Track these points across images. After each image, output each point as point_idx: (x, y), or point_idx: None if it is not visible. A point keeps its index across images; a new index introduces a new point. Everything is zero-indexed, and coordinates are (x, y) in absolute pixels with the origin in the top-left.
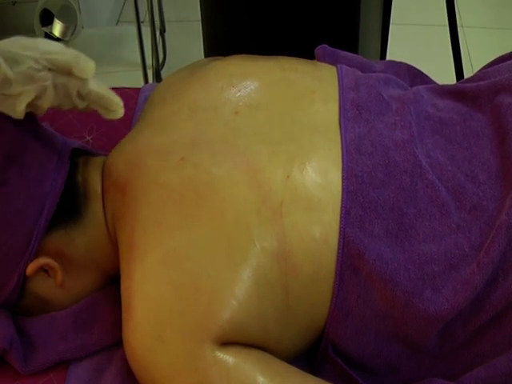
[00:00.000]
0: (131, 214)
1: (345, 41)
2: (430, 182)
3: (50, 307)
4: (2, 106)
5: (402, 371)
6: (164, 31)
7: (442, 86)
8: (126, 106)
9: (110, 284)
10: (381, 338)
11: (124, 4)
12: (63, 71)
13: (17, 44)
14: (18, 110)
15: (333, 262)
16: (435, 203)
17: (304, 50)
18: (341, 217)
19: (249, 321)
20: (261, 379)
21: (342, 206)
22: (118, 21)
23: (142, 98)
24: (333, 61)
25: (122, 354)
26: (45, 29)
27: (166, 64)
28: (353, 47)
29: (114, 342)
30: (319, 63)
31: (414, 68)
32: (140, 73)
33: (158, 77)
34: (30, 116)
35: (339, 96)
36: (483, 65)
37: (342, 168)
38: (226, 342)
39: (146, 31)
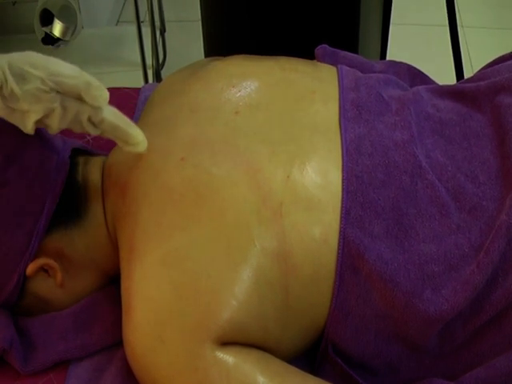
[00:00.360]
0: (131, 214)
1: (345, 41)
2: (430, 183)
3: (50, 307)
4: (11, 118)
5: (402, 371)
6: (164, 31)
7: (442, 87)
8: (126, 106)
9: (110, 284)
10: (381, 338)
11: (124, 4)
12: (71, 95)
13: (27, 60)
14: (28, 126)
15: (333, 262)
16: (435, 203)
17: (304, 50)
18: (341, 217)
19: (249, 321)
20: (261, 379)
21: (342, 206)
22: (117, 21)
23: (142, 98)
24: (333, 61)
25: (122, 353)
26: (45, 29)
27: (166, 64)
28: (353, 47)
29: (114, 342)
30: (319, 63)
31: (414, 68)
32: (140, 73)
33: (158, 77)
34: None
35: (339, 96)
36: (483, 65)
37: (342, 168)
38: (225, 342)
39: (146, 31)
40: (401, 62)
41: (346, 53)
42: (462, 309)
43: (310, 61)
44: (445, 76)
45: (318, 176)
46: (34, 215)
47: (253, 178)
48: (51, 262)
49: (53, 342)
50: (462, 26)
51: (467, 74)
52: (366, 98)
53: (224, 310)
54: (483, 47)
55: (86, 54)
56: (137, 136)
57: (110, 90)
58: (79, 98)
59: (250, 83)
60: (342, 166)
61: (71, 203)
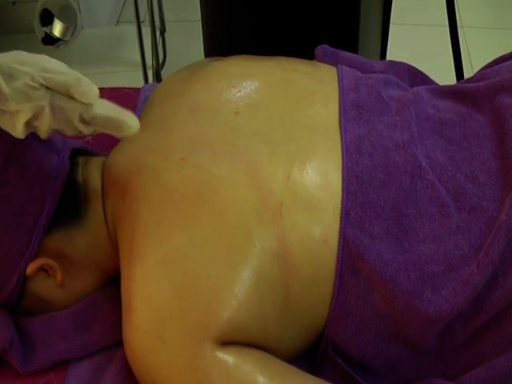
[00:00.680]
0: (131, 214)
1: (345, 41)
2: (430, 183)
3: (50, 307)
4: (1, 122)
5: (402, 371)
6: (164, 31)
7: (442, 87)
8: (126, 106)
9: (110, 284)
10: (381, 338)
11: (124, 4)
12: (61, 92)
13: (15, 58)
14: (18, 129)
15: (333, 263)
16: (435, 204)
17: (304, 50)
18: (341, 217)
19: (249, 321)
20: (261, 379)
21: (341, 207)
22: (118, 21)
23: (142, 98)
24: (333, 61)
25: (122, 353)
26: (45, 29)
27: (166, 64)
28: (353, 47)
29: (114, 342)
30: (319, 64)
31: (414, 68)
32: (140, 73)
33: (158, 77)
34: None
35: (339, 97)
36: (483, 65)
37: (342, 168)
38: (226, 342)
39: (146, 31)
40: (401, 62)
41: (346, 53)
42: (462, 309)
43: (309, 61)
44: (445, 76)
45: (318, 176)
46: (34, 215)
47: (253, 178)
48: (51, 261)
49: (53, 342)
50: (462, 26)
51: (467, 74)
52: (366, 99)
53: (224, 310)
54: (483, 47)
55: (86, 54)
56: (130, 121)
57: (110, 89)
58: (69, 96)
59: (250, 83)
60: (342, 166)
61: (71, 203)
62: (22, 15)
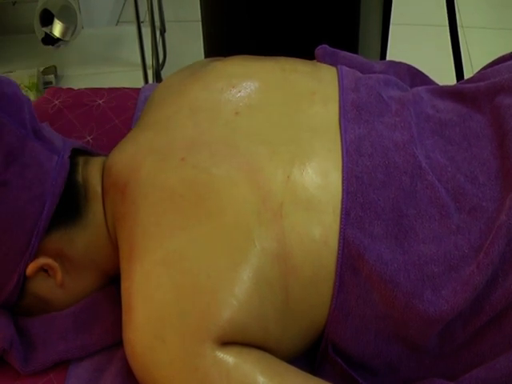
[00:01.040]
0: (131, 214)
1: (345, 41)
2: (430, 183)
3: (50, 307)
4: None
5: (402, 371)
6: (164, 31)
7: (442, 87)
8: (125, 106)
9: (110, 284)
10: (381, 338)
11: (124, 4)
12: None
13: None
14: None
15: (333, 263)
16: (435, 204)
17: (304, 50)
18: (341, 218)
19: (249, 321)
20: (261, 379)
21: (342, 207)
22: (117, 21)
23: (142, 98)
24: (333, 61)
25: (122, 353)
26: (45, 29)
27: (166, 64)
28: (353, 47)
29: (114, 342)
30: (319, 64)
31: (414, 68)
32: (140, 73)
33: (158, 77)
34: (31, 116)
35: (339, 97)
36: (483, 65)
37: (342, 169)
38: (226, 342)
39: (146, 31)
40: (401, 62)
41: (346, 53)
42: (462, 309)
43: (310, 61)
44: (445, 76)
45: (318, 177)
46: (34, 215)
47: (253, 179)
48: (51, 262)
49: (53, 342)
50: (462, 26)
51: (467, 74)
52: (365, 99)
53: (224, 310)
54: (483, 47)
55: (85, 54)
56: None
57: (110, 90)
58: None
59: (250, 84)
60: (342, 166)
61: (71, 203)
62: (21, 15)
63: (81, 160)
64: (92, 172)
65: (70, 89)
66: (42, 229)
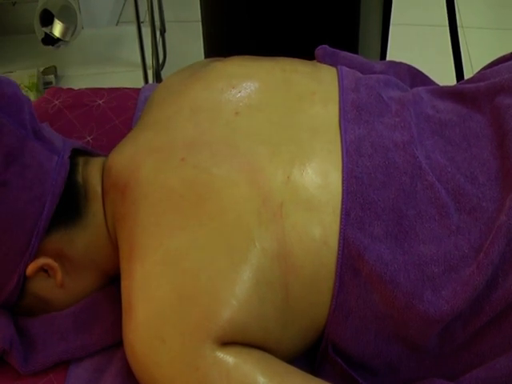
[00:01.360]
0: (131, 214)
1: (345, 41)
2: (430, 184)
3: (50, 307)
4: None
5: (402, 371)
6: (164, 31)
7: (442, 88)
8: (126, 106)
9: (110, 284)
10: (381, 338)
11: (124, 4)
12: None
13: None
14: None
15: (333, 263)
16: (435, 204)
17: (304, 51)
18: (341, 218)
19: (249, 321)
20: (261, 379)
21: (341, 207)
22: (117, 21)
23: (142, 98)
24: (333, 61)
25: (122, 354)
26: (45, 29)
27: (166, 64)
28: (353, 47)
29: (114, 342)
30: (319, 64)
31: (414, 68)
32: (140, 73)
33: (158, 77)
34: (31, 116)
35: (339, 97)
36: (483, 65)
37: (342, 169)
38: (226, 342)
39: (146, 31)
40: (401, 63)
41: (346, 53)
42: (462, 309)
43: (310, 61)
44: (445, 76)
45: (318, 177)
46: (34, 215)
47: (253, 179)
48: (51, 262)
49: (53, 342)
50: (462, 26)
51: (467, 74)
52: (365, 99)
53: (224, 310)
54: (483, 47)
55: (86, 54)
56: None
57: (110, 90)
58: None
59: (250, 84)
60: (342, 166)
61: (71, 203)
62: (21, 15)
63: (81, 160)
64: (92, 172)
65: (70, 89)
66: (42, 229)
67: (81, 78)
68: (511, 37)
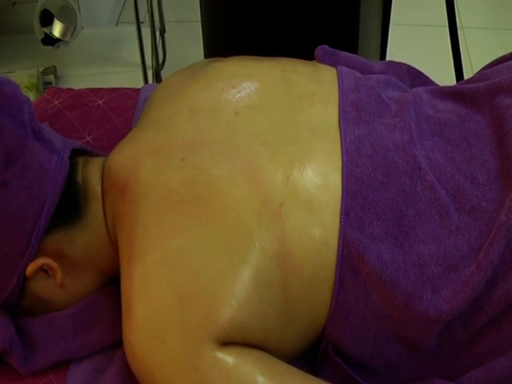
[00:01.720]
0: (131, 214)
1: (345, 41)
2: (430, 184)
3: (50, 307)
4: None
5: (402, 371)
6: (164, 31)
7: (442, 88)
8: (125, 106)
9: (110, 284)
10: (381, 338)
11: (124, 4)
12: None
13: None
14: None
15: (333, 263)
16: (434, 205)
17: (304, 51)
18: (340, 218)
19: (249, 321)
20: (261, 379)
21: (341, 207)
22: (117, 21)
23: (142, 98)
24: (333, 61)
25: (122, 354)
26: (45, 29)
27: (165, 64)
28: (353, 47)
29: (114, 342)
30: (319, 64)
31: (414, 68)
32: (140, 73)
33: (157, 77)
34: (31, 116)
35: (339, 97)
36: (483, 65)
37: (342, 169)
38: (226, 342)
39: (146, 32)
40: (401, 63)
41: (346, 53)
42: (462, 310)
43: (309, 62)
44: (445, 76)
45: (318, 177)
46: (34, 215)
47: (253, 179)
48: (51, 262)
49: (53, 343)
50: (462, 27)
51: (467, 74)
52: (365, 99)
53: (224, 311)
54: (483, 47)
55: (85, 55)
56: None
57: (110, 90)
58: None
59: (250, 84)
60: (342, 167)
61: (71, 203)
62: (21, 15)
63: (81, 160)
64: (92, 172)
65: (70, 89)
66: (41, 229)
67: (81, 78)
68: (511, 37)
